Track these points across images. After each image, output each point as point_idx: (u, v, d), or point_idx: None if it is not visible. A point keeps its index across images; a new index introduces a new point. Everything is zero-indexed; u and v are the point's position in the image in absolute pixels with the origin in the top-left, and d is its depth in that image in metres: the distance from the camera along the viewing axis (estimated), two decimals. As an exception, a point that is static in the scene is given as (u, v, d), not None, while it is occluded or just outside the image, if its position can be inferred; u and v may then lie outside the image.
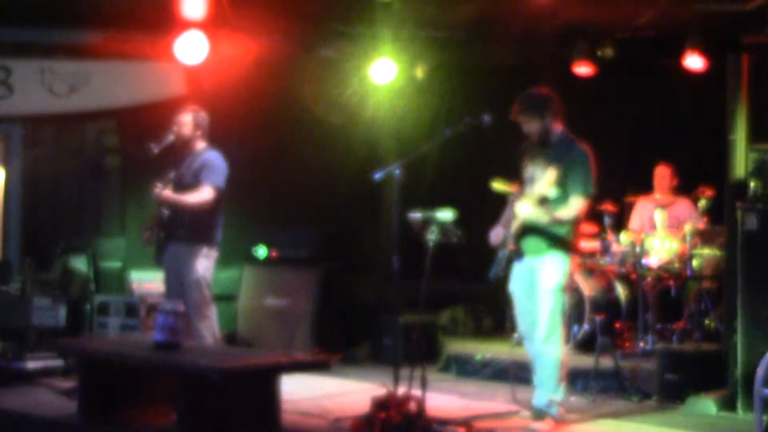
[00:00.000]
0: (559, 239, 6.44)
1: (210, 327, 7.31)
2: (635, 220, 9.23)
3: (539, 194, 6.32)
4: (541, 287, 6.48)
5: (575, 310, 8.49)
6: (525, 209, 6.38)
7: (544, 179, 6.29)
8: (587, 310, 8.41)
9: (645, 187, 9.23)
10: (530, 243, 6.50)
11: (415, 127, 9.35)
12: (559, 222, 6.39)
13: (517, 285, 6.67)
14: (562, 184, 6.37)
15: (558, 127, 6.59)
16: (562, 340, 6.51)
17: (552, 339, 6.45)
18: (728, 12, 7.89)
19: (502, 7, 8.47)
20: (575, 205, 6.42)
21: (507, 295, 6.81)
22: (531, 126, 6.55)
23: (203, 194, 7.31)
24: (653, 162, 9.25)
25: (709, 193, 8.59)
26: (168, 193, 7.30)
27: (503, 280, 6.70)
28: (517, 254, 6.55)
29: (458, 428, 6.39)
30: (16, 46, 9.08)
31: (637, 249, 8.49)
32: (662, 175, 9.10)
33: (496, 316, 10.02)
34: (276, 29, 8.84)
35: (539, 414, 6.49)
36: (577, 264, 6.79)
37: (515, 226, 6.48)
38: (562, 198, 6.40)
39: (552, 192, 6.32)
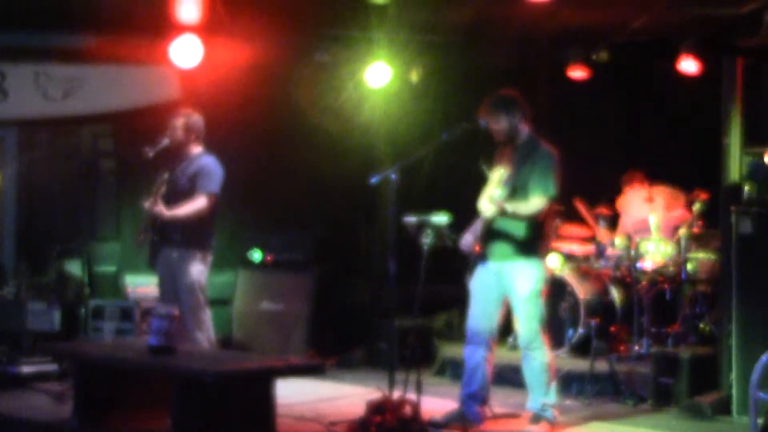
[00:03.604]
0: (525, 244, 6.39)
1: (205, 331, 7.30)
2: (626, 221, 9.22)
3: (490, 194, 6.36)
4: (516, 296, 6.43)
5: (570, 313, 8.51)
6: (484, 210, 6.39)
7: (493, 179, 6.37)
8: (582, 313, 8.41)
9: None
10: (496, 247, 6.47)
11: (410, 132, 9.35)
12: (516, 216, 6.33)
13: (478, 286, 6.59)
14: (525, 184, 6.36)
15: (525, 129, 6.55)
16: (545, 344, 6.48)
17: (534, 345, 6.43)
18: (723, 16, 7.90)
19: (497, 11, 8.47)
20: (534, 203, 6.34)
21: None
22: (498, 125, 6.52)
23: (197, 204, 7.28)
24: (649, 165, 9.25)
25: (703, 196, 8.60)
26: (161, 208, 7.25)
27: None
28: (481, 256, 6.53)
29: (453, 431, 6.41)
30: (11, 50, 9.07)
31: (632, 252, 8.50)
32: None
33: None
34: (271, 33, 8.84)
35: (535, 417, 6.49)
36: (548, 269, 6.73)
37: (481, 227, 6.46)
38: (524, 198, 6.37)
39: (497, 192, 6.28)
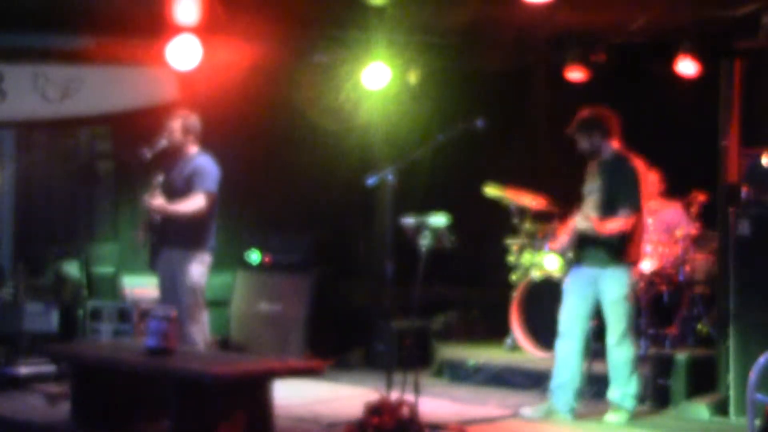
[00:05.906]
0: (617, 251, 6.83)
1: (202, 332, 7.31)
2: None
3: (587, 213, 6.87)
4: (607, 299, 6.92)
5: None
6: (579, 222, 6.90)
7: (585, 212, 6.87)
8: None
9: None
10: (590, 253, 6.93)
11: (408, 133, 9.34)
12: (607, 233, 6.79)
13: (572, 287, 7.08)
14: (613, 200, 6.81)
15: (613, 145, 7.01)
16: (633, 341, 6.98)
17: (623, 342, 6.90)
18: (721, 17, 7.90)
19: (495, 12, 8.46)
20: (621, 219, 6.77)
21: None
22: (580, 144, 7.03)
23: (195, 202, 7.29)
24: (648, 166, 9.24)
25: (702, 198, 8.59)
26: (161, 202, 7.27)
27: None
28: (574, 260, 7.09)
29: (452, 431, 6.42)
30: (9, 50, 9.05)
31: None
32: (651, 181, 9.10)
33: (489, 321, 10.02)
34: (269, 34, 8.83)
35: (614, 407, 6.90)
36: (640, 274, 7.36)
37: (574, 236, 6.97)
38: (612, 212, 6.81)
39: (584, 224, 6.84)
